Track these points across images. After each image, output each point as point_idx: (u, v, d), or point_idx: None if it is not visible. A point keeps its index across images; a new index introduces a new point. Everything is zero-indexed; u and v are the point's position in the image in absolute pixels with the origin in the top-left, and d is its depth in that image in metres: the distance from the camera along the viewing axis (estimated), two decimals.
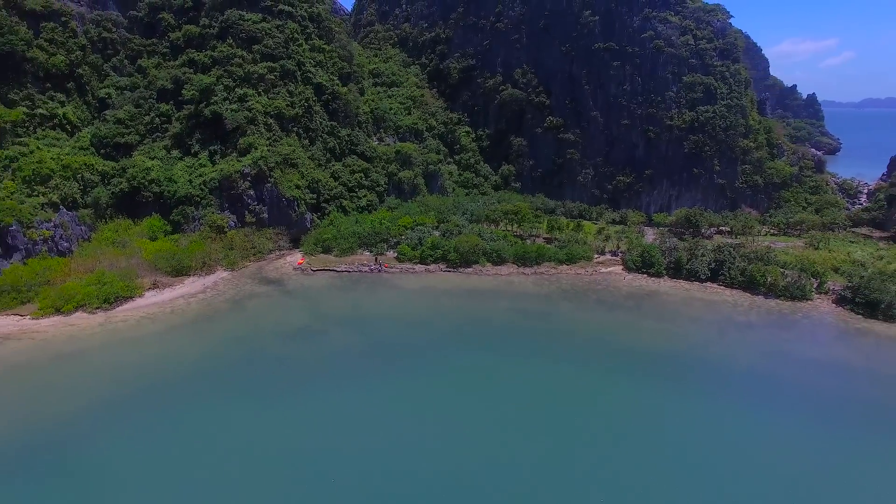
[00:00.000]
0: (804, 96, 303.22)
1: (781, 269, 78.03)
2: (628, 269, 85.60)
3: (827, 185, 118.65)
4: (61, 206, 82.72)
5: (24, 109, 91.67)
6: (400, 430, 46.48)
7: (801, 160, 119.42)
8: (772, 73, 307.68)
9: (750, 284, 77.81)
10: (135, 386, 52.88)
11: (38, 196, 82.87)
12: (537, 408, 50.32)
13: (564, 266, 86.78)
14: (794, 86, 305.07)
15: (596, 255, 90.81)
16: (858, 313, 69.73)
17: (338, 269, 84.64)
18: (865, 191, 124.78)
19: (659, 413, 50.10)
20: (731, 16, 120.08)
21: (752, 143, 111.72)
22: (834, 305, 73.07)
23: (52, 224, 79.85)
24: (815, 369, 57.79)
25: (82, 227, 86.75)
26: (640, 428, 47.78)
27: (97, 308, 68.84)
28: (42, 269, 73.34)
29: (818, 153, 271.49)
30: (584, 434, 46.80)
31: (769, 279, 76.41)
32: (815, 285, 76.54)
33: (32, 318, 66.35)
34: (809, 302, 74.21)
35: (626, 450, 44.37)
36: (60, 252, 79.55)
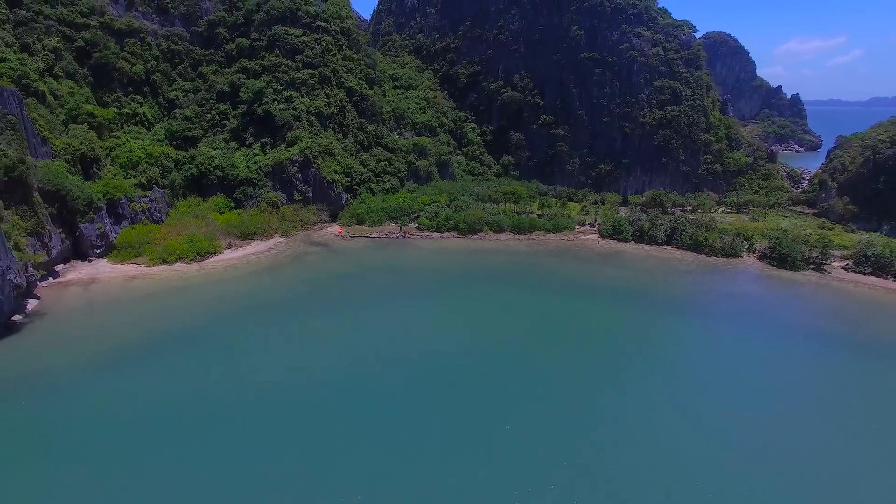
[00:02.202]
0: (788, 96, 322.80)
1: (720, 234, 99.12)
2: (602, 235, 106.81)
3: (777, 172, 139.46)
4: (154, 185, 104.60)
5: (115, 109, 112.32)
6: (423, 328, 67.75)
7: (755, 152, 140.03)
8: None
9: (696, 246, 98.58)
10: (235, 305, 73.18)
11: (131, 178, 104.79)
12: (521, 315, 71.59)
13: (551, 234, 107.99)
14: (780, 86, 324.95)
15: (577, 226, 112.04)
16: (773, 265, 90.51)
17: (371, 236, 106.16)
18: (807, 178, 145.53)
19: (611, 320, 71.08)
20: (696, 29, 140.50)
21: (712, 138, 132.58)
22: (757, 260, 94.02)
23: (149, 199, 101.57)
24: (728, 297, 79.34)
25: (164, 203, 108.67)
26: (597, 327, 69.06)
27: (192, 260, 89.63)
28: (145, 232, 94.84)
29: (800, 147, 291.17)
30: (554, 329, 68.09)
31: (710, 241, 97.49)
32: (746, 246, 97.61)
33: (147, 266, 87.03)
34: (740, 258, 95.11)
35: (584, 339, 65.75)
36: (154, 220, 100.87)
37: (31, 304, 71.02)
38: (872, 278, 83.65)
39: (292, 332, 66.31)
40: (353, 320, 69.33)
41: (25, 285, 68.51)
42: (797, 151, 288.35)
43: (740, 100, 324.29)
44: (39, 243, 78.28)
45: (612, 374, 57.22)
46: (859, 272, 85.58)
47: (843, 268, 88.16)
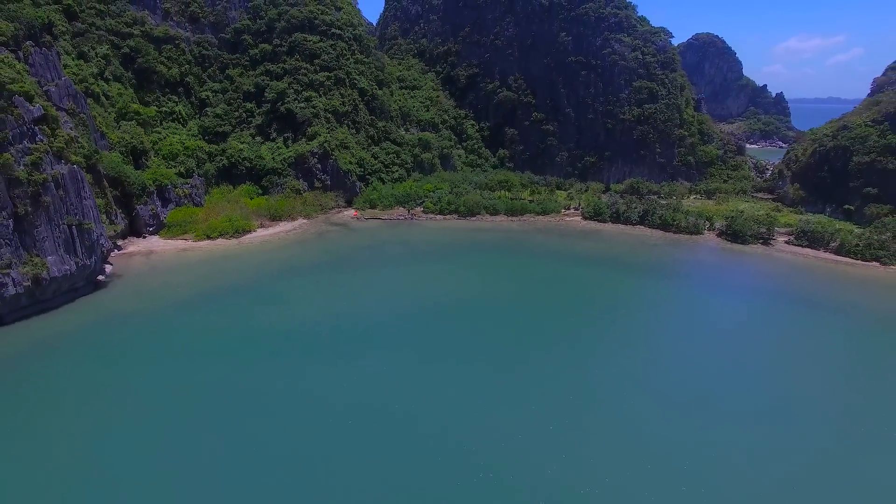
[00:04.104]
0: (773, 94, 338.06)
1: (686, 215, 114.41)
2: (584, 217, 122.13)
3: (745, 163, 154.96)
4: (195, 173, 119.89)
5: (155, 108, 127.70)
6: (430, 284, 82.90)
7: (726, 145, 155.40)
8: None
9: (664, 225, 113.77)
10: (274, 269, 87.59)
11: (172, 168, 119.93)
12: (511, 274, 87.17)
13: (540, 216, 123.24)
14: (765, 85, 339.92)
15: (563, 210, 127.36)
16: (728, 240, 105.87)
17: (383, 218, 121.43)
18: (771, 168, 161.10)
19: (587, 278, 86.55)
20: (672, 35, 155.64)
21: (686, 132, 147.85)
22: (716, 236, 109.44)
23: (190, 185, 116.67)
24: (683, 263, 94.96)
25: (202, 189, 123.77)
26: (575, 283, 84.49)
27: (231, 236, 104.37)
28: (189, 213, 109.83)
29: (783, 143, 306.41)
30: (539, 284, 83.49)
31: (677, 221, 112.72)
32: (707, 225, 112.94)
33: (193, 241, 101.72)
34: (701, 235, 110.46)
35: (564, 291, 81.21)
36: (195, 204, 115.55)
37: (107, 268, 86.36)
38: (808, 250, 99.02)
39: (323, 286, 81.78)
40: (372, 278, 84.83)
41: (106, 251, 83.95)
42: (780, 147, 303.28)
43: (727, 98, 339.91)
44: (108, 220, 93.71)
45: (587, 315, 72.93)
46: (798, 245, 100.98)
47: (786, 242, 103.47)
